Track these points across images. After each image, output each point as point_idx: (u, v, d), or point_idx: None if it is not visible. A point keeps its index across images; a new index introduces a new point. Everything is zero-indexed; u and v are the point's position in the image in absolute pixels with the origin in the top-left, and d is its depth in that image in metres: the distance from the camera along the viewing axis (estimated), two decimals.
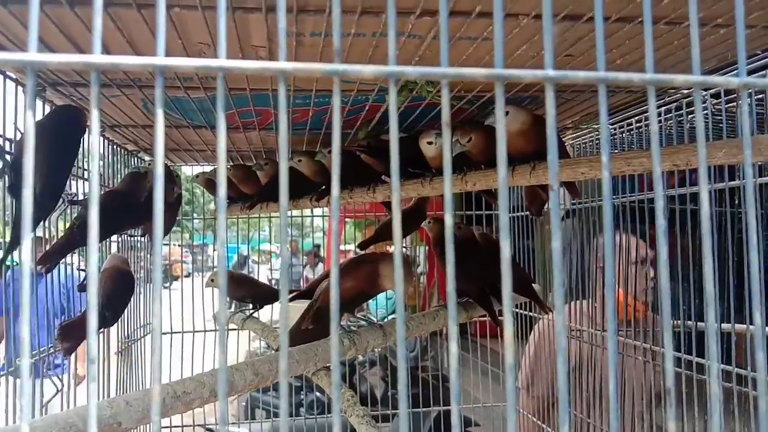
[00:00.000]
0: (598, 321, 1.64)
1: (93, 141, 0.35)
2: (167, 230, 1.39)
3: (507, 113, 0.97)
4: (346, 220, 3.61)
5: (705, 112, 1.24)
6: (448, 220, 0.37)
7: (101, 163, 1.44)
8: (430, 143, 1.11)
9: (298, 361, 0.94)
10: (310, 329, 1.12)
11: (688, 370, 1.21)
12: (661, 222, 0.39)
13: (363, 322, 1.20)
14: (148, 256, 1.69)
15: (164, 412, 0.76)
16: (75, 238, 0.98)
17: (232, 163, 1.66)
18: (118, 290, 1.09)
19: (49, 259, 0.98)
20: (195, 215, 2.26)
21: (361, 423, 1.19)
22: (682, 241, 1.32)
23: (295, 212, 1.98)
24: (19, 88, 0.97)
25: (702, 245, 0.37)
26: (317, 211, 2.00)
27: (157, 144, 0.35)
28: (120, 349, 1.53)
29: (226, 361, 0.34)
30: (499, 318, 1.44)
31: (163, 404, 0.76)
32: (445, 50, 0.39)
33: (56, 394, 1.08)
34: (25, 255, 0.33)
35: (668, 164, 0.98)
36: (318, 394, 3.01)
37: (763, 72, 1.10)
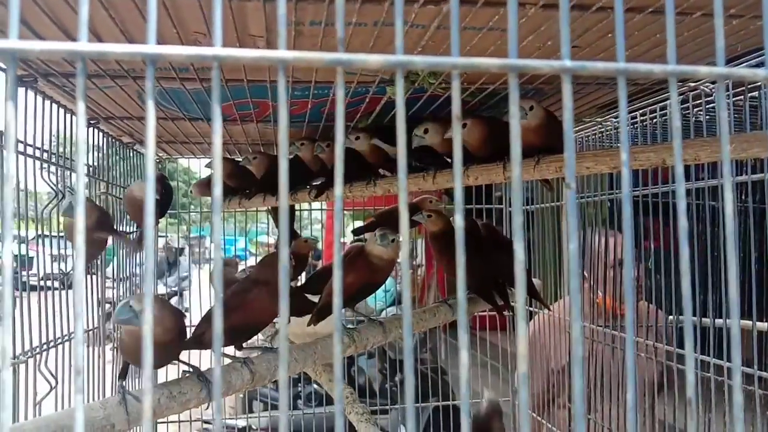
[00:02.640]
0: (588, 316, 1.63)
1: (80, 134, 0.33)
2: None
3: (532, 108, 0.95)
4: (345, 212, 3.58)
5: (712, 105, 1.22)
6: (459, 221, 0.35)
7: (98, 155, 1.42)
8: (419, 135, 1.08)
9: (296, 359, 0.92)
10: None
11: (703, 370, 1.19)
12: (684, 224, 0.36)
13: (363, 318, 1.18)
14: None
15: (160, 412, 0.74)
16: None
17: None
18: None
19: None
20: (192, 207, 2.23)
21: (361, 421, 1.17)
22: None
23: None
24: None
25: (702, 241, 0.35)
26: (315, 203, 1.97)
27: (148, 137, 0.33)
28: (116, 345, 1.51)
29: (220, 360, 0.32)
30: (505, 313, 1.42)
31: (158, 405, 0.74)
32: (456, 39, 0.36)
33: (50, 391, 1.06)
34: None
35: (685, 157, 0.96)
36: (315, 386, 3.00)
37: None
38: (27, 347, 1.02)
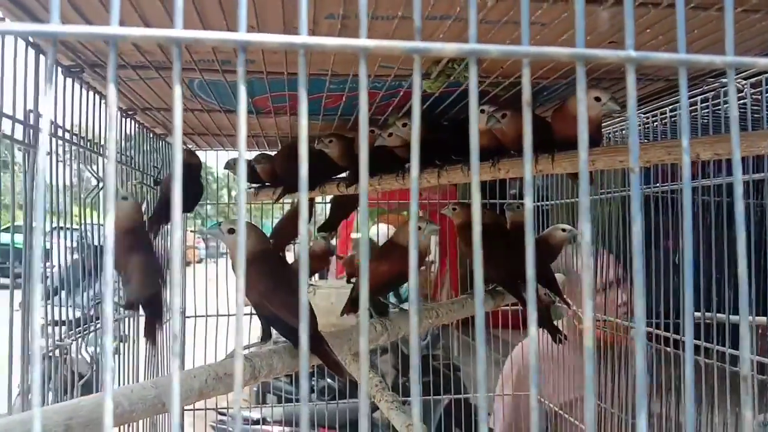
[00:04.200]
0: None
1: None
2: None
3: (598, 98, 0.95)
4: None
5: (744, 101, 1.22)
6: (528, 203, 0.37)
7: (127, 144, 1.45)
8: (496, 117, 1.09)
9: (332, 346, 0.94)
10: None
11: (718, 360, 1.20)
12: (740, 226, 0.38)
13: (395, 308, 1.19)
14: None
15: (206, 393, 0.76)
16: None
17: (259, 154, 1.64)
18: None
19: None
20: (207, 201, 2.26)
21: (391, 408, 1.19)
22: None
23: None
24: (60, 72, 0.97)
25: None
26: (329, 198, 1.96)
27: (240, 134, 0.35)
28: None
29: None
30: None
31: (205, 385, 0.76)
32: (526, 29, 0.38)
33: (91, 373, 1.09)
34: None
35: (710, 153, 0.97)
36: (330, 380, 3.03)
37: None
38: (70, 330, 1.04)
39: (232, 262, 0.90)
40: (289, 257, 1.86)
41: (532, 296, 0.36)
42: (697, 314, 1.26)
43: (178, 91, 0.34)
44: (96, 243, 1.16)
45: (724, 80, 1.22)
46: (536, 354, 0.35)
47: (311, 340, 0.89)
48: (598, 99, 0.97)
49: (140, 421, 1.38)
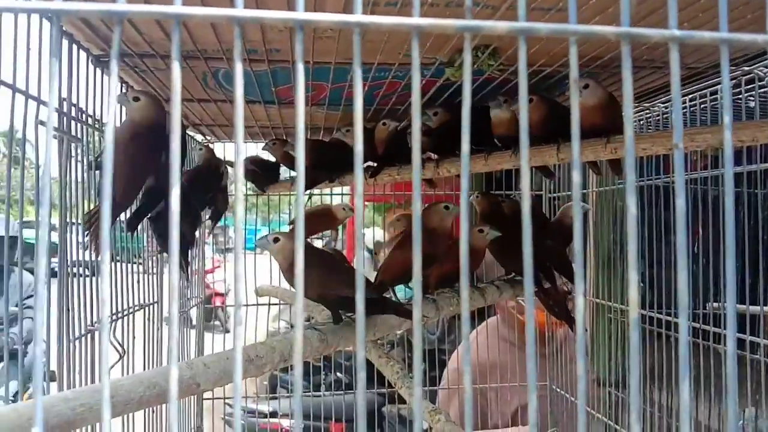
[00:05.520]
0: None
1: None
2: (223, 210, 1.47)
3: (587, 86, 0.97)
4: (366, 203, 3.58)
5: (765, 90, 1.22)
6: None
7: None
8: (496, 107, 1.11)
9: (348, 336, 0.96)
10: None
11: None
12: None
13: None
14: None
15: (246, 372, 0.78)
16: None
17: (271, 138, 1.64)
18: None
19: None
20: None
21: (411, 395, 1.20)
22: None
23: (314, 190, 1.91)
24: (90, 62, 0.99)
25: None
26: (336, 189, 1.96)
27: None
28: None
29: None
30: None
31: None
32: (573, 8, 0.39)
33: (119, 359, 1.11)
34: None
35: (733, 140, 0.97)
36: (338, 374, 3.06)
37: None
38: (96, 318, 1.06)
39: (282, 270, 0.97)
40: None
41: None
42: (716, 305, 1.27)
43: (239, 68, 0.36)
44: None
45: (745, 68, 1.22)
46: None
47: (374, 303, 0.95)
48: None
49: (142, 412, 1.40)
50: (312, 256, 0.93)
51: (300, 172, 0.37)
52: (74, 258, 0.92)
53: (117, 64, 0.35)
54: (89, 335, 0.94)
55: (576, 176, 0.37)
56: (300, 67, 0.35)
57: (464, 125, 0.38)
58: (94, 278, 1.02)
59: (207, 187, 1.34)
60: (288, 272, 0.94)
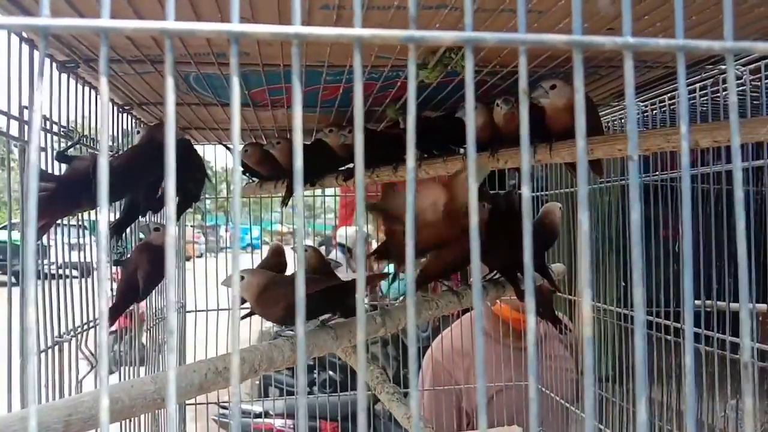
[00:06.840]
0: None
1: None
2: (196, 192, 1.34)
3: (554, 87, 0.96)
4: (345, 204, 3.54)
5: (742, 87, 1.22)
6: (526, 192, 0.36)
7: (124, 140, 1.44)
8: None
9: (352, 331, 0.95)
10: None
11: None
12: (739, 213, 0.38)
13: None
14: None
15: (207, 387, 0.76)
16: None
17: (246, 143, 1.60)
18: (155, 269, 1.09)
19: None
20: (206, 196, 2.25)
21: (392, 400, 1.19)
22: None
23: (306, 192, 1.88)
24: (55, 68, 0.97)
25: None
26: (329, 190, 1.93)
27: (234, 127, 0.35)
28: (149, 327, 1.55)
29: (303, 331, 0.34)
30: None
31: (205, 379, 0.76)
32: (523, 16, 0.38)
33: (91, 370, 1.09)
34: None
35: (709, 140, 0.97)
36: (331, 373, 3.05)
37: None
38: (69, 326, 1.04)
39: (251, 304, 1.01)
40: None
41: (530, 286, 0.35)
42: (698, 302, 1.26)
43: (170, 82, 0.34)
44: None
45: (722, 67, 1.22)
46: (535, 345, 0.35)
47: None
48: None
49: (142, 417, 1.39)
50: (279, 287, 0.95)
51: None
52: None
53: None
54: (56, 347, 0.92)
55: (526, 190, 0.36)
56: (235, 81, 0.34)
57: (409, 138, 0.36)
58: (61, 285, 1.00)
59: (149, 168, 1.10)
60: (256, 305, 0.97)
